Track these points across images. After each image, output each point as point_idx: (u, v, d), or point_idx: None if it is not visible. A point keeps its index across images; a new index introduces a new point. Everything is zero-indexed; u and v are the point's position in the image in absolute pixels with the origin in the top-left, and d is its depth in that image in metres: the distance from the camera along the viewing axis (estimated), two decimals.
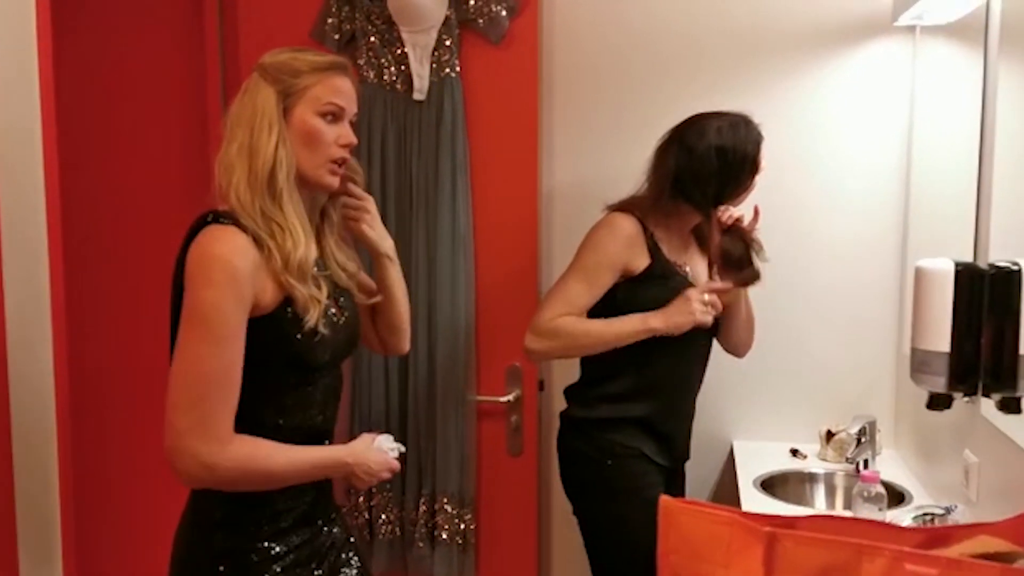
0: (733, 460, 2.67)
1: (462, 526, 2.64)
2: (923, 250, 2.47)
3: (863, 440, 2.42)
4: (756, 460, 2.53)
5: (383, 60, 2.59)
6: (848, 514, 2.30)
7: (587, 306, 2.18)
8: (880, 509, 1.84)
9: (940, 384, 1.88)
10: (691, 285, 2.21)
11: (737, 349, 2.41)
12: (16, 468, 1.94)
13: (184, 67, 2.84)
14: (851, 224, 2.61)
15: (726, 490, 2.71)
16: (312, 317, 1.58)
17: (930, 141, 2.43)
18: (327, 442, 1.72)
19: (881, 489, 1.86)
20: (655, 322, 2.15)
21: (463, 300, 2.58)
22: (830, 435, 2.55)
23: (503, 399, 2.64)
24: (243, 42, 2.77)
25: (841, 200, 2.61)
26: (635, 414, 2.23)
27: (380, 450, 1.70)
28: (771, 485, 2.37)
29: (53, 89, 1.98)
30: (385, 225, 1.89)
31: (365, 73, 2.61)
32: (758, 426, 2.71)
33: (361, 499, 2.71)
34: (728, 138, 2.16)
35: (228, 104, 2.75)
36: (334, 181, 1.70)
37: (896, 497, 2.25)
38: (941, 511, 1.82)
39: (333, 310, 1.68)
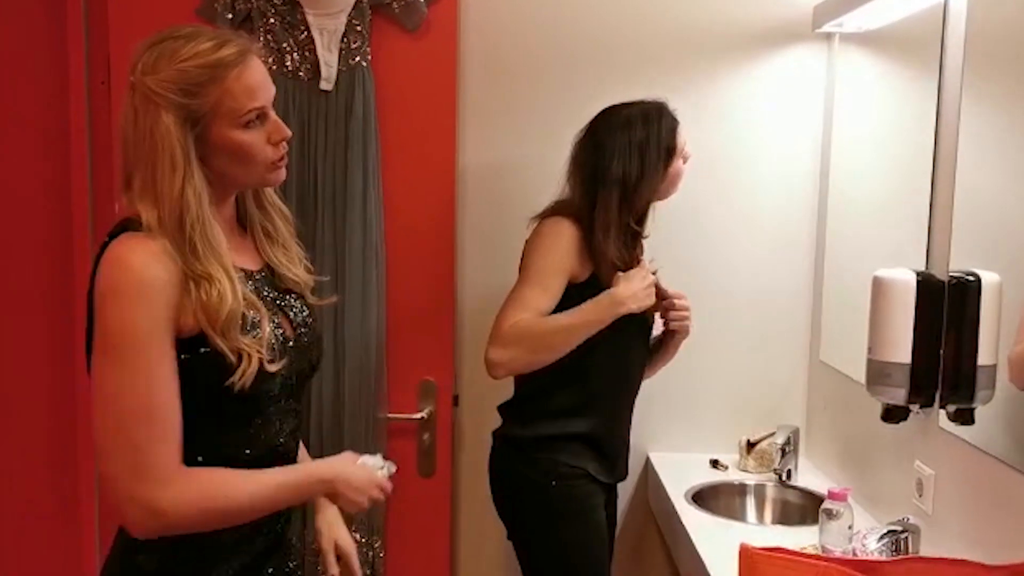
0: (648, 472, 2.60)
1: (371, 555, 2.43)
2: (838, 258, 2.49)
3: (788, 450, 2.40)
4: (678, 472, 2.46)
5: (284, 45, 2.34)
6: (779, 528, 2.28)
7: (547, 310, 2.02)
8: (850, 527, 1.79)
9: (900, 396, 1.85)
10: None
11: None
12: None
13: (43, 48, 2.50)
14: (765, 230, 2.59)
15: (644, 503, 2.63)
16: (247, 370, 1.34)
17: (846, 148, 2.44)
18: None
19: (849, 506, 1.81)
20: (621, 293, 2.01)
21: (374, 310, 2.37)
22: (750, 445, 2.51)
23: (415, 416, 2.45)
24: (113, 21, 2.43)
25: (756, 206, 2.58)
26: (578, 430, 2.10)
27: (365, 467, 1.49)
28: (702, 498, 2.30)
29: None
30: None
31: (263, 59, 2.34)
32: (672, 437, 2.64)
33: None
34: (639, 130, 2.07)
35: (94, 88, 2.52)
36: (279, 177, 1.49)
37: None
38: (900, 528, 1.78)
39: (282, 331, 1.45)
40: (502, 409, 2.21)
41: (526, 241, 2.13)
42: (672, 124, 2.12)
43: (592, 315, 2.01)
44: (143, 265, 1.28)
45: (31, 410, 2.62)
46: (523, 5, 2.50)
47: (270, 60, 2.34)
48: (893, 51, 2.23)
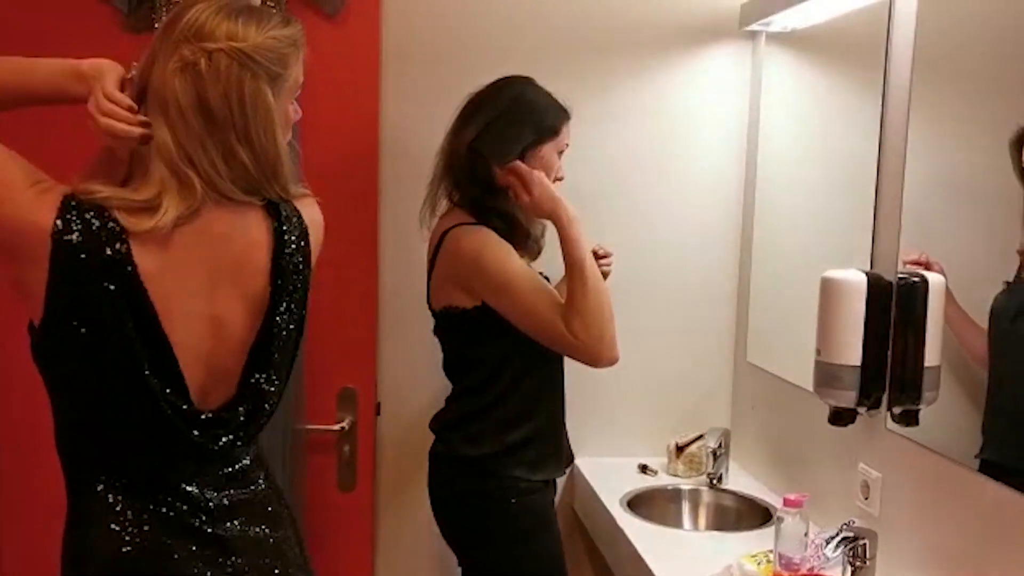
0: (575, 478, 2.53)
1: None
2: (766, 259, 2.48)
3: (719, 453, 2.37)
4: (607, 478, 2.40)
5: None
6: (719, 534, 2.24)
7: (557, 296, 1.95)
8: (806, 534, 1.76)
9: (850, 399, 1.83)
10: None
11: None
12: None
13: None
14: (689, 230, 2.56)
15: (569, 508, 2.55)
16: None
17: (774, 148, 2.43)
18: None
19: (804, 513, 1.77)
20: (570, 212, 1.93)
21: None
22: (679, 448, 2.47)
23: (335, 427, 2.31)
24: None
25: (680, 205, 2.55)
26: (528, 435, 2.00)
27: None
28: (637, 504, 2.24)
29: None
30: None
31: None
32: (598, 441, 2.57)
33: None
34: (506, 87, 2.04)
35: None
36: None
37: (760, 514, 2.21)
38: (854, 535, 1.76)
39: None
40: (440, 427, 2.09)
41: (450, 251, 2.00)
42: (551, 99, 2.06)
43: (586, 250, 1.93)
44: None
45: None
46: None
47: None
48: (826, 51, 2.23)
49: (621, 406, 2.58)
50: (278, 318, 1.39)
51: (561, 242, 1.93)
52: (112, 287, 1.24)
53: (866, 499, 1.91)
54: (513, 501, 1.99)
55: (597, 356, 1.91)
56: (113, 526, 1.30)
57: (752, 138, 2.53)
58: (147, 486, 1.33)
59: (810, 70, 2.32)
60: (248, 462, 1.43)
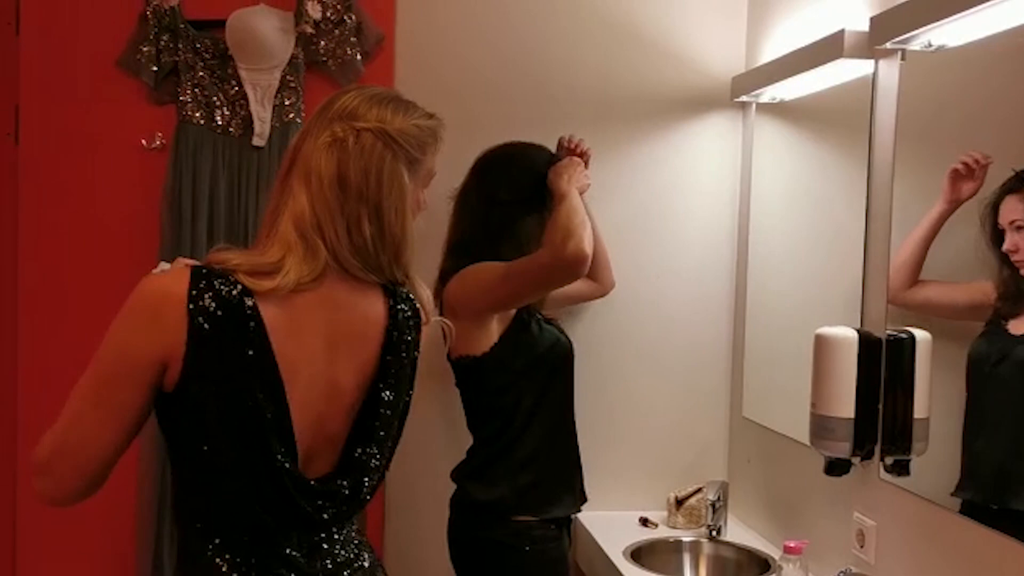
0: (577, 531, 2.59)
1: None
2: (759, 317, 2.58)
3: (718, 506, 2.44)
4: (608, 531, 2.46)
5: (214, 99, 2.28)
6: None
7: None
8: None
9: (845, 449, 1.93)
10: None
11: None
12: None
13: None
14: (685, 289, 2.67)
15: (574, 563, 2.60)
16: None
17: (765, 211, 2.55)
18: None
19: (803, 560, 1.85)
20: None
21: None
22: (679, 501, 2.54)
23: None
24: (25, 65, 2.31)
25: (677, 266, 2.66)
26: (542, 476, 2.12)
27: None
28: (640, 556, 2.31)
29: None
30: None
31: (190, 112, 2.28)
32: (598, 495, 2.62)
33: None
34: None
35: (1, 139, 2.37)
36: None
37: (759, 565, 2.28)
38: None
39: None
40: (460, 475, 2.19)
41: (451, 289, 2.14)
42: None
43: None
44: None
45: None
46: (456, 63, 2.53)
47: (198, 115, 2.27)
48: (814, 120, 2.36)
49: (621, 460, 2.65)
50: (383, 394, 1.43)
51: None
52: (250, 352, 1.30)
53: (861, 547, 1.98)
54: (527, 549, 2.07)
55: (562, 252, 1.97)
56: None
57: (744, 201, 2.65)
58: (254, 550, 1.35)
59: (799, 138, 2.45)
60: (350, 534, 1.47)
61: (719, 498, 2.43)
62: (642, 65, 2.59)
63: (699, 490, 2.53)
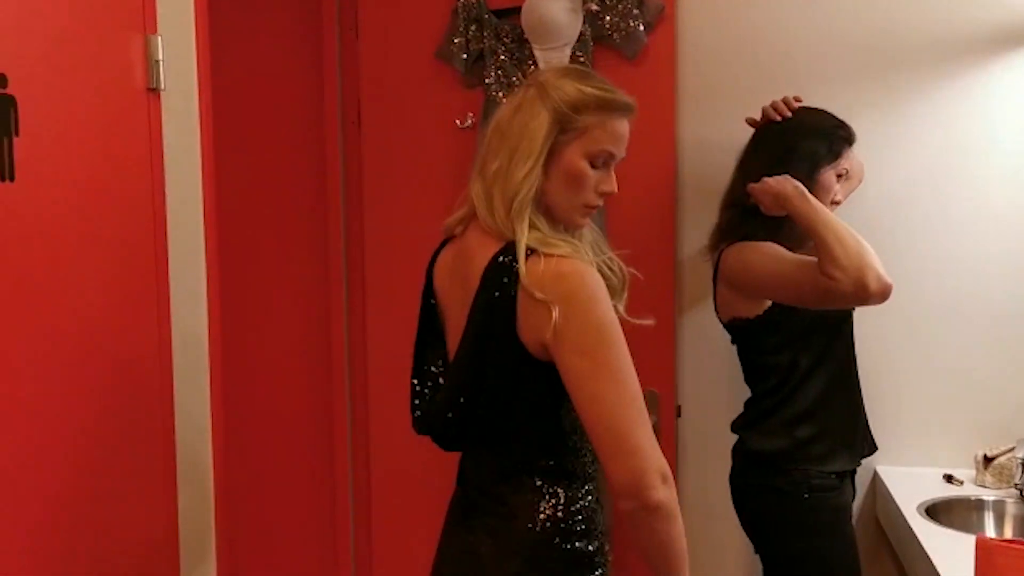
0: (876, 487, 2.56)
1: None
2: None
3: None
4: (909, 487, 2.41)
5: (514, 79, 2.54)
6: None
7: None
8: None
9: None
10: None
11: None
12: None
13: (304, 86, 2.81)
14: (996, 238, 2.50)
15: (874, 520, 2.59)
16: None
17: None
18: None
19: None
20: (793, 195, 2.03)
21: None
22: (987, 459, 2.43)
23: None
24: (364, 61, 2.73)
25: (984, 215, 2.50)
26: (818, 429, 2.14)
27: None
28: (936, 512, 2.25)
29: (211, 110, 1.93)
30: None
31: (494, 93, 2.55)
32: (902, 450, 2.59)
33: None
34: None
35: (347, 125, 2.81)
36: (583, 223, 1.65)
37: None
38: None
39: None
40: (736, 426, 2.28)
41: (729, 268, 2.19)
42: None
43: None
44: (590, 271, 1.51)
45: (291, 406, 2.92)
46: (738, 28, 2.56)
47: (500, 94, 2.54)
48: None
49: (928, 416, 2.57)
50: (467, 332, 1.57)
51: (793, 219, 2.03)
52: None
53: None
54: (806, 496, 2.11)
55: (864, 288, 1.89)
56: None
57: None
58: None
59: None
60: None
61: None
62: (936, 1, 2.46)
63: (1011, 449, 2.40)
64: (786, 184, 2.04)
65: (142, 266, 1.77)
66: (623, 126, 1.59)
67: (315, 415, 2.89)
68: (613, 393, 1.47)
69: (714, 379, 2.59)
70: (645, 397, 2.50)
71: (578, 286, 1.47)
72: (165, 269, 1.81)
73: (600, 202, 1.60)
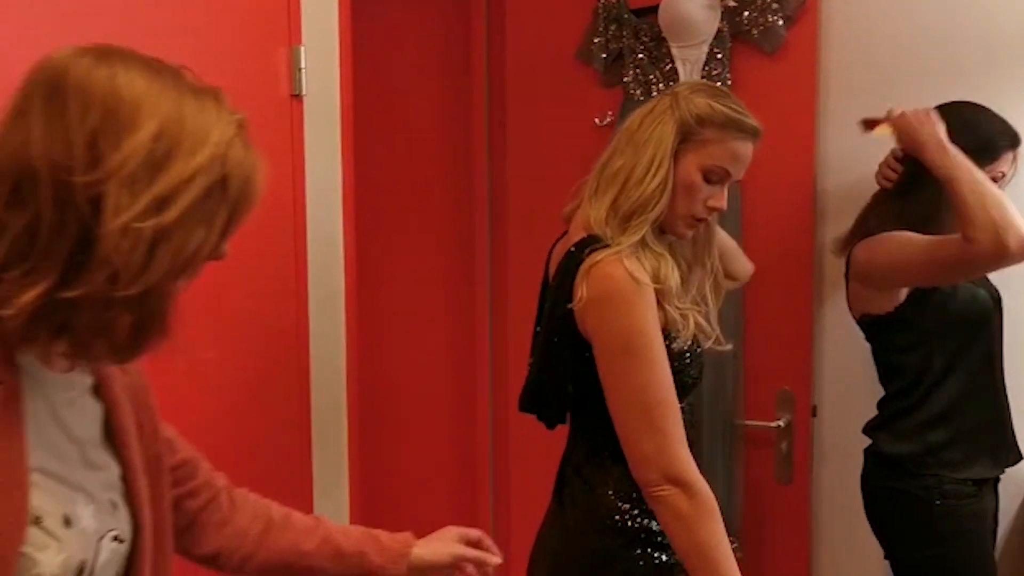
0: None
1: None
2: None
3: None
4: None
5: (651, 77, 2.57)
6: None
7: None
8: None
9: None
10: None
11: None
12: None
13: (451, 84, 2.93)
14: None
15: None
16: (685, 334, 1.60)
17: None
18: None
19: None
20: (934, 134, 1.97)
21: (731, 320, 2.49)
22: None
23: (772, 424, 2.53)
24: (510, 62, 2.82)
25: None
26: (952, 434, 2.07)
27: None
28: None
29: (352, 113, 2.08)
30: None
31: (632, 91, 2.59)
32: None
33: None
34: None
35: (493, 123, 2.91)
36: (686, 234, 1.71)
37: None
38: None
39: (704, 323, 1.67)
40: (872, 430, 2.23)
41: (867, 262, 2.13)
42: None
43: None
44: (637, 277, 1.54)
45: (435, 398, 3.05)
46: (885, 21, 2.47)
47: (638, 92, 2.58)
48: None
49: None
50: (537, 326, 1.77)
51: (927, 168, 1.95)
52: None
53: None
54: (938, 503, 2.05)
55: (1003, 246, 1.81)
56: None
57: None
58: None
59: None
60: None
61: None
62: None
63: None
64: (922, 131, 1.95)
65: (282, 265, 1.94)
66: (745, 148, 1.64)
67: (459, 405, 3.01)
68: (621, 403, 1.55)
69: (853, 379, 2.53)
70: (776, 396, 2.52)
71: (616, 290, 1.53)
72: (304, 266, 1.97)
73: (707, 216, 1.66)
